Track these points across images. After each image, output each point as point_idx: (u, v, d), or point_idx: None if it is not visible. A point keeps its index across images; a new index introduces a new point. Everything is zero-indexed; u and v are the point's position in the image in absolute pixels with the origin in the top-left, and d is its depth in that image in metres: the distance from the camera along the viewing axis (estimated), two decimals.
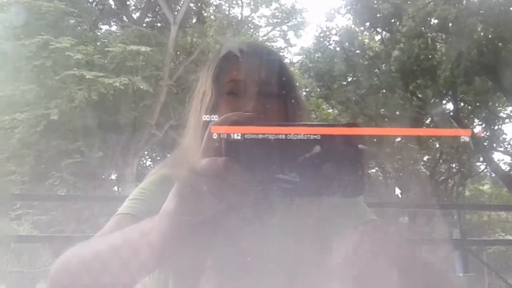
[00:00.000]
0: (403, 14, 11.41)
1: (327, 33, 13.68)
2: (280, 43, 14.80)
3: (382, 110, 13.83)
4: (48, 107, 10.21)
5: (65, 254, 0.71)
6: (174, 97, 11.64)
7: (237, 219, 0.59)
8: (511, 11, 10.55)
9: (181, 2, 12.84)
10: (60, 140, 11.08)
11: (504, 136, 13.59)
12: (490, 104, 12.98)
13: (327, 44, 13.69)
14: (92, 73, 10.12)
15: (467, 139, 0.56)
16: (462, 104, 13.39)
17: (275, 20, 14.59)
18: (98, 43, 11.61)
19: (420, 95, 12.93)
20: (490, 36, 10.92)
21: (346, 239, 0.85)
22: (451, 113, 12.54)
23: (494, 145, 13.34)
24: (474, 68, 11.29)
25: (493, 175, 13.59)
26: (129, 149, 11.59)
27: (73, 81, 10.31)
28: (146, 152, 13.81)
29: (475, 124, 13.67)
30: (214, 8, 14.01)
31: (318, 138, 0.55)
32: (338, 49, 13.60)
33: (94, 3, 13.19)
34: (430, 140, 13.24)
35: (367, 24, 12.64)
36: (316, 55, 13.78)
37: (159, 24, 13.65)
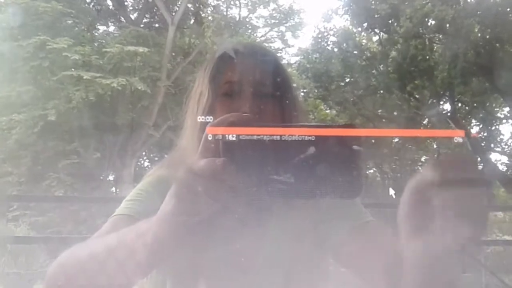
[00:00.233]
0: (400, 15, 11.43)
1: (325, 34, 13.69)
2: (278, 44, 14.83)
3: (379, 110, 13.85)
4: (45, 108, 10.19)
5: (62, 255, 0.71)
6: (172, 98, 11.63)
7: (234, 220, 0.59)
8: (508, 12, 10.58)
9: (179, 3, 12.84)
10: (57, 141, 11.06)
11: (501, 136, 13.63)
12: (487, 104, 13.01)
13: (325, 45, 13.70)
14: (89, 73, 10.11)
15: (460, 140, 0.56)
16: (459, 104, 13.41)
17: (272, 21, 14.59)
18: (95, 44, 11.59)
19: (417, 96, 12.95)
20: (487, 37, 10.95)
21: (342, 240, 0.85)
22: (449, 114, 12.57)
23: (492, 145, 13.37)
24: (471, 69, 11.32)
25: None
26: (127, 150, 11.58)
27: (70, 81, 10.30)
28: (143, 153, 13.80)
29: (472, 124, 13.70)
30: (212, 9, 14.02)
31: (313, 139, 0.55)
32: (335, 50, 13.61)
33: (92, 3, 13.18)
34: (428, 141, 13.27)
35: (365, 25, 12.66)
36: (314, 56, 13.78)
37: (156, 25, 13.63)
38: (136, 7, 14.04)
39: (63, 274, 0.70)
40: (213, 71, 0.89)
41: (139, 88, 10.54)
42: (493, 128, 13.50)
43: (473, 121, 13.81)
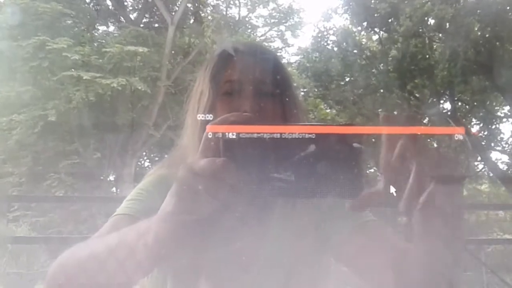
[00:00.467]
0: (400, 14, 11.43)
1: (325, 33, 13.67)
2: (277, 43, 14.82)
3: (379, 110, 13.83)
4: (45, 108, 10.19)
5: (63, 255, 0.71)
6: (172, 97, 11.63)
7: (235, 219, 0.59)
8: (508, 10, 10.58)
9: (179, 3, 12.83)
10: (57, 141, 11.07)
11: (501, 135, 13.60)
12: (488, 103, 12.99)
13: (325, 44, 13.68)
14: (89, 74, 10.11)
15: (461, 137, 0.56)
16: (459, 103, 13.40)
17: (272, 20, 14.59)
18: (95, 44, 11.59)
19: (417, 95, 12.95)
20: (487, 36, 10.94)
21: (343, 239, 0.85)
22: (449, 113, 12.56)
23: (492, 144, 13.36)
24: (471, 68, 11.31)
25: (491, 174, 13.61)
26: (127, 150, 11.58)
27: (70, 82, 10.30)
28: (144, 153, 13.79)
29: (472, 123, 13.68)
30: (212, 8, 14.01)
31: (313, 137, 0.55)
32: (335, 49, 13.59)
33: (91, 3, 13.17)
34: (428, 140, 13.25)
35: (365, 24, 12.65)
36: (314, 55, 13.77)
37: (156, 25, 13.63)
38: (136, 7, 14.03)
39: (64, 273, 0.70)
40: (214, 70, 0.89)
41: (139, 88, 10.54)
42: (494, 126, 13.48)
43: (474, 119, 13.79)
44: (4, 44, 9.97)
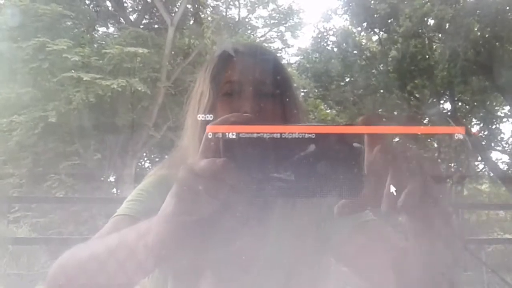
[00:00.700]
0: (400, 14, 11.43)
1: (325, 33, 13.68)
2: (277, 44, 14.82)
3: (379, 110, 13.83)
4: (45, 109, 10.20)
5: (63, 256, 0.71)
6: (172, 98, 11.63)
7: (235, 219, 0.59)
8: (508, 10, 10.58)
9: (178, 4, 12.84)
10: (58, 142, 11.07)
11: (502, 135, 13.61)
12: (488, 103, 13.00)
13: (325, 44, 13.69)
14: (89, 75, 10.11)
15: (461, 136, 0.56)
16: (459, 103, 13.40)
17: (272, 21, 14.59)
18: (95, 45, 11.59)
19: (417, 95, 12.95)
20: (487, 36, 10.94)
21: (343, 239, 0.85)
22: (449, 113, 12.56)
23: (492, 144, 13.36)
24: (471, 68, 11.31)
25: (492, 174, 13.61)
26: (127, 151, 11.58)
27: (70, 83, 10.30)
28: (144, 154, 13.80)
29: (473, 123, 13.69)
30: (211, 9, 14.01)
31: (313, 136, 0.55)
32: (335, 49, 13.60)
33: (91, 5, 13.17)
34: (429, 140, 13.26)
35: (364, 24, 12.65)
36: (314, 55, 13.78)
37: (156, 26, 13.63)
38: (136, 8, 14.04)
39: (64, 274, 0.70)
40: (214, 71, 0.89)
41: (139, 89, 10.54)
42: (494, 126, 13.48)
43: (474, 120, 13.80)
44: (4, 46, 9.98)
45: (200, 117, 0.84)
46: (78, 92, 10.12)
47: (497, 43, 10.92)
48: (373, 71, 13.11)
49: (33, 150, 10.95)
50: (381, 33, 12.92)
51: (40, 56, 10.02)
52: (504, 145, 13.76)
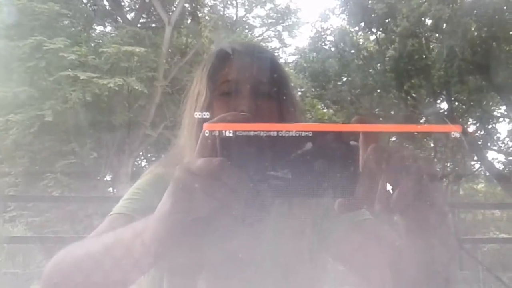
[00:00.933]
0: (397, 14, 11.45)
1: (322, 33, 13.70)
2: (275, 43, 14.81)
3: (377, 109, 13.87)
4: (42, 108, 10.16)
5: (59, 254, 0.71)
6: (169, 97, 11.62)
7: (232, 218, 0.59)
8: (505, 10, 10.61)
9: (176, 3, 12.82)
10: (54, 141, 11.03)
11: (498, 135, 13.67)
12: (484, 103, 13.04)
13: (322, 44, 13.71)
14: (86, 74, 10.08)
15: (457, 135, 0.56)
16: (456, 103, 13.44)
17: (269, 21, 14.57)
18: (92, 44, 11.55)
19: (414, 95, 12.98)
20: (483, 36, 10.97)
21: (340, 237, 0.85)
22: (446, 113, 12.60)
23: (488, 144, 13.41)
24: (468, 68, 11.35)
25: (488, 174, 13.66)
26: (124, 150, 11.56)
27: (67, 82, 10.27)
28: (141, 153, 13.77)
29: (469, 123, 13.73)
30: (209, 8, 14.00)
31: (310, 135, 0.55)
32: (333, 49, 13.63)
33: (88, 4, 13.14)
34: (425, 139, 13.30)
35: (362, 24, 12.66)
36: (311, 55, 13.79)
37: (153, 25, 13.60)
38: (133, 7, 14.00)
39: (60, 272, 0.70)
40: (211, 70, 0.89)
41: (136, 88, 10.52)
42: (490, 126, 13.54)
43: (470, 119, 13.85)
44: (1, 44, 9.94)
45: (197, 114, 0.84)
46: (75, 91, 10.09)
47: (494, 43, 10.96)
48: (370, 70, 13.14)
49: (29, 149, 10.92)
50: (379, 32, 12.94)
51: (37, 55, 9.99)
52: (500, 144, 13.82)
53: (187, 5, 13.15)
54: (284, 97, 0.88)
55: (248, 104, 0.83)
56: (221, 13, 13.86)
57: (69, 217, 9.49)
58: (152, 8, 13.15)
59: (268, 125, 0.55)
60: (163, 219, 0.59)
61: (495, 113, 13.67)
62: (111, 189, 12.35)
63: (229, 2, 13.97)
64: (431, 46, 12.37)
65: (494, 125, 13.65)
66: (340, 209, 0.57)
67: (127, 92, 11.05)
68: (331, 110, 14.77)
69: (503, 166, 13.67)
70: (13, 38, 10.11)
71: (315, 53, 13.67)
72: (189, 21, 13.65)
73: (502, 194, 13.18)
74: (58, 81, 10.28)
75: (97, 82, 10.08)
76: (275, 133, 0.55)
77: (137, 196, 0.86)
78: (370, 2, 11.99)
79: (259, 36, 14.74)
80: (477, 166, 14.30)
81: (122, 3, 13.67)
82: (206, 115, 0.64)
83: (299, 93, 12.45)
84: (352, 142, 0.56)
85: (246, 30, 14.65)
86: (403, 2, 11.39)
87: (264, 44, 13.57)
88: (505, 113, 13.25)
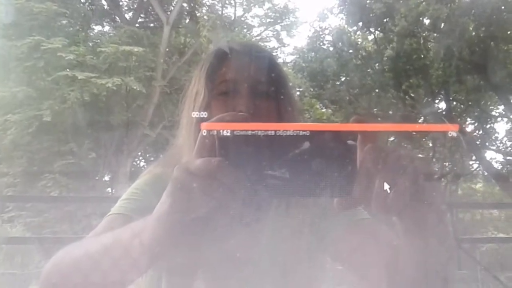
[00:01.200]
0: (395, 13, 11.46)
1: (320, 33, 13.71)
2: (273, 43, 14.80)
3: (375, 109, 13.88)
4: (40, 108, 10.14)
5: (57, 254, 0.71)
6: (167, 97, 11.61)
7: (230, 218, 0.59)
8: (503, 10, 10.62)
9: (174, 2, 12.80)
10: (52, 141, 11.01)
11: (496, 134, 13.69)
12: (482, 103, 13.06)
13: (320, 44, 13.72)
14: (84, 73, 10.06)
15: (455, 134, 0.56)
16: (454, 103, 13.46)
17: (268, 20, 14.57)
18: (90, 44, 11.54)
19: (412, 94, 12.99)
20: (481, 35, 10.99)
21: (338, 237, 0.85)
22: (444, 112, 12.61)
23: (487, 143, 13.43)
24: (466, 67, 11.37)
25: (486, 173, 13.68)
26: (122, 150, 11.54)
27: (65, 82, 10.25)
28: (139, 153, 13.75)
29: (467, 123, 13.75)
30: (207, 8, 13.99)
31: (308, 134, 0.55)
32: (331, 48, 13.63)
33: (86, 3, 13.11)
34: (423, 139, 13.31)
35: (360, 24, 12.67)
36: (309, 55, 13.79)
37: (151, 25, 13.59)
38: (131, 7, 13.99)
39: (58, 272, 0.70)
40: (209, 70, 0.89)
41: (134, 87, 10.50)
42: (488, 126, 13.56)
43: (468, 119, 13.87)
44: None
45: (195, 114, 0.84)
46: (73, 91, 10.07)
47: (492, 43, 10.97)
48: (368, 70, 13.15)
49: (27, 149, 10.90)
50: (377, 32, 12.95)
51: (35, 54, 9.97)
52: (499, 144, 13.84)
53: (185, 4, 13.14)
54: (282, 97, 0.88)
55: (246, 103, 0.83)
56: (219, 12, 13.86)
57: (68, 217, 9.47)
58: (150, 7, 13.13)
59: (266, 125, 0.55)
60: (162, 219, 0.59)
61: (493, 112, 13.69)
62: (109, 189, 12.34)
63: (227, 2, 13.97)
64: (429, 46, 12.38)
65: (492, 124, 13.67)
66: (339, 206, 0.57)
67: (125, 92, 11.04)
68: (329, 110, 14.77)
69: (501, 166, 13.70)
70: (11, 38, 10.09)
71: (313, 53, 13.68)
72: (187, 20, 13.64)
73: (500, 193, 13.20)
74: (56, 81, 10.26)
75: (95, 82, 10.06)
76: (273, 133, 0.55)
77: (136, 196, 0.86)
78: (368, 1, 12.00)
79: (257, 35, 14.74)
80: (475, 165, 14.31)
81: (120, 3, 13.66)
82: (204, 114, 0.65)
83: (298, 93, 12.46)
84: (350, 142, 0.56)
85: (245, 30, 14.64)
86: (401, 1, 11.40)
87: (262, 44, 13.56)
88: (503, 112, 13.27)
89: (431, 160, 12.80)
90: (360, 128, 0.56)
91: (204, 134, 0.56)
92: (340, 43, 13.32)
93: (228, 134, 0.55)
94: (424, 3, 11.05)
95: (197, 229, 0.60)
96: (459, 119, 12.90)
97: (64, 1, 11.06)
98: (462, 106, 13.66)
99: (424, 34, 12.09)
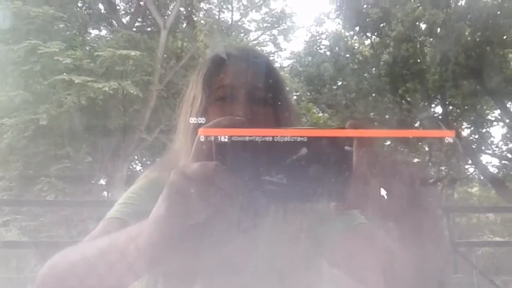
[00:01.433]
0: (392, 18, 11.52)
1: (317, 37, 13.74)
2: (270, 48, 14.83)
3: (371, 114, 13.91)
4: (36, 112, 10.11)
5: (53, 258, 0.71)
6: (164, 101, 11.60)
7: (227, 223, 0.59)
8: (498, 15, 10.69)
9: (171, 7, 12.83)
10: (49, 145, 10.98)
11: (492, 139, 13.75)
12: (478, 107, 13.11)
13: (317, 48, 13.75)
14: (81, 77, 10.05)
15: (451, 140, 0.56)
16: (450, 107, 13.50)
17: (265, 25, 14.60)
18: (87, 48, 11.54)
19: (409, 99, 13.03)
20: (477, 40, 11.05)
21: (335, 242, 0.85)
22: (440, 117, 12.65)
23: (483, 147, 13.47)
24: (462, 72, 11.42)
25: (482, 177, 13.71)
26: (119, 154, 11.51)
27: (62, 86, 10.23)
28: (136, 157, 13.73)
29: (463, 127, 13.80)
30: (204, 12, 14.00)
31: (305, 140, 0.55)
32: (328, 53, 13.66)
33: (83, 7, 13.12)
34: (420, 144, 13.34)
35: (357, 28, 12.72)
36: (306, 59, 13.82)
37: (149, 29, 13.60)
38: (128, 11, 14.00)
39: (54, 276, 0.69)
40: (206, 75, 0.89)
41: (131, 92, 10.49)
42: (484, 130, 13.61)
43: (464, 123, 13.91)
44: None
45: (192, 120, 0.84)
46: (70, 95, 10.05)
47: (488, 48, 11.03)
48: (365, 74, 13.19)
49: (23, 153, 10.86)
50: (373, 37, 13.00)
51: (31, 58, 9.95)
52: (494, 148, 13.89)
53: (182, 9, 13.16)
54: (280, 102, 0.88)
55: (243, 109, 0.83)
56: (217, 17, 13.88)
57: (64, 221, 9.43)
58: (147, 12, 13.15)
59: (263, 131, 0.55)
60: (158, 223, 0.59)
61: (489, 117, 13.75)
62: (105, 193, 12.30)
63: (224, 6, 14.00)
64: (426, 51, 12.43)
65: (488, 129, 13.73)
66: (335, 211, 0.57)
67: (122, 96, 11.02)
68: (326, 114, 14.79)
69: (497, 170, 13.74)
70: (8, 42, 10.08)
71: (310, 57, 13.70)
72: (184, 25, 13.65)
73: (496, 197, 13.24)
74: (53, 85, 10.24)
75: (92, 86, 10.05)
76: (270, 138, 0.55)
77: (132, 200, 0.85)
78: (365, 6, 12.05)
79: (254, 40, 14.76)
80: (471, 169, 14.36)
81: (118, 7, 13.67)
82: (202, 120, 0.65)
83: (295, 97, 12.47)
84: (346, 147, 0.56)
85: (242, 34, 14.67)
86: (397, 6, 11.46)
87: (259, 48, 13.58)
88: (499, 117, 13.32)
89: (427, 164, 12.83)
90: (357, 134, 0.56)
91: (202, 139, 0.56)
92: (337, 48, 13.36)
93: (225, 139, 0.55)
94: (420, 8, 11.10)
95: (194, 234, 0.60)
96: (455, 124, 12.94)
97: (61, 5, 11.06)
98: (458, 110, 13.71)
99: (420, 39, 12.14)
